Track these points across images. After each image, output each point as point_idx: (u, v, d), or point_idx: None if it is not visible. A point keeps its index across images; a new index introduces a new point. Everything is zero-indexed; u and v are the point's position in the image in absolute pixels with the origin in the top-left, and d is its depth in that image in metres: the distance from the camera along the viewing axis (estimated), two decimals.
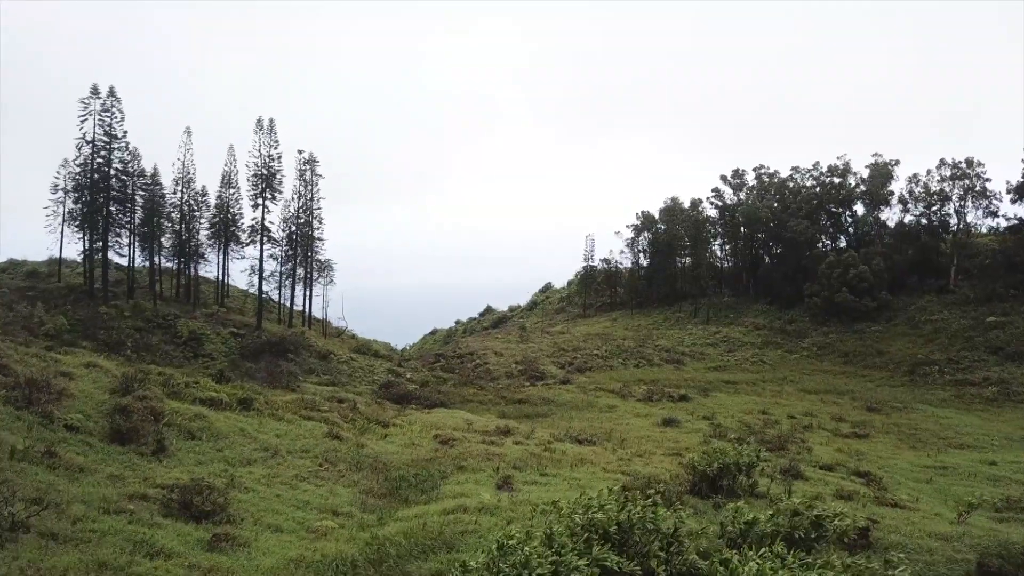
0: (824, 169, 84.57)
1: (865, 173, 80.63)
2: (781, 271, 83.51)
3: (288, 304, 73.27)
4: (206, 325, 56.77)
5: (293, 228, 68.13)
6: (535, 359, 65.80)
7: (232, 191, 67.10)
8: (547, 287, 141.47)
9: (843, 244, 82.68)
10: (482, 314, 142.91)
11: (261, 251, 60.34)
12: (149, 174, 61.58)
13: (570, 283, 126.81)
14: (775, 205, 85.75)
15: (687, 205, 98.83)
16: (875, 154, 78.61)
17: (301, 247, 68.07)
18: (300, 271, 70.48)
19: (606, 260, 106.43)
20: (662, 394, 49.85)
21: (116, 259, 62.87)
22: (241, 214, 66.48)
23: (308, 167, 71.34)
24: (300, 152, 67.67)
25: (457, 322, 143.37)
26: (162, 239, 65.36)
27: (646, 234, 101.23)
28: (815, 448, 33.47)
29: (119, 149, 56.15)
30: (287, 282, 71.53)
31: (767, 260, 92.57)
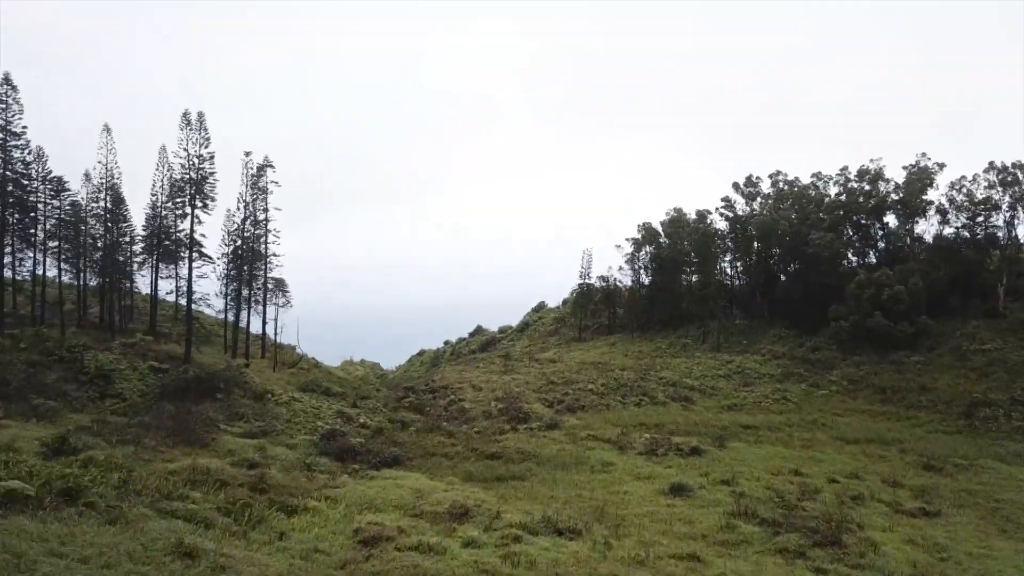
0: (853, 174, 76.83)
1: (900, 178, 72.90)
2: (801, 291, 75.63)
3: (241, 329, 65.48)
4: (122, 358, 48.66)
5: (239, 242, 60.22)
6: (519, 395, 57.72)
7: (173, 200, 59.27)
8: (540, 306, 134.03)
9: (872, 260, 74.85)
10: (472, 334, 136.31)
11: (190, 269, 52.27)
12: (58, 178, 53.64)
13: (565, 302, 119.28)
14: (793, 216, 77.98)
15: (693, 216, 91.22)
16: (921, 154, 70.74)
17: (249, 264, 60.08)
18: (252, 291, 62.56)
19: (604, 278, 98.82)
20: (668, 446, 41.73)
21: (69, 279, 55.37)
22: (178, 226, 58.59)
23: (261, 173, 63.68)
24: (248, 154, 59.88)
25: (446, 343, 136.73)
26: (85, 255, 57.49)
27: (648, 249, 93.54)
28: (878, 538, 25.35)
29: (18, 148, 48.30)
30: (242, 304, 63.73)
31: (782, 278, 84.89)
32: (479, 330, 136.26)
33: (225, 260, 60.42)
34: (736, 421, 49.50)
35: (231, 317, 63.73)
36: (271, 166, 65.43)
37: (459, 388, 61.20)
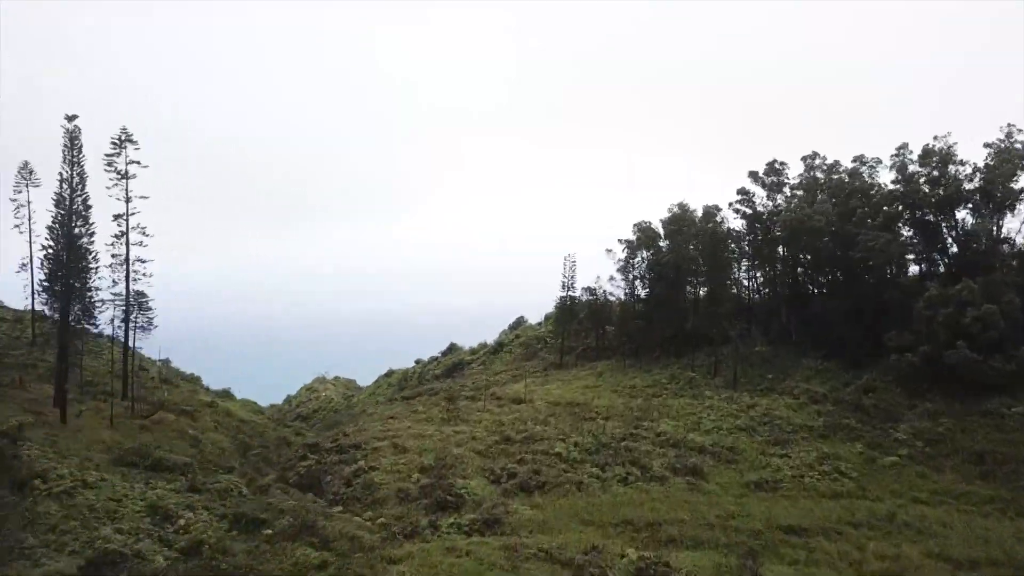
0: (913, 156, 61.12)
1: (979, 160, 57.28)
2: (844, 308, 60.12)
3: (115, 352, 50.00)
4: None
5: (60, 244, 44.55)
6: (456, 462, 42.14)
7: None
8: (519, 322, 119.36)
9: (940, 269, 59.35)
10: (444, 353, 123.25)
11: None
12: None
13: (547, 317, 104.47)
14: (831, 211, 62.44)
15: (700, 213, 75.79)
16: (1009, 125, 55.23)
17: (71, 272, 44.17)
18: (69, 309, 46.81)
19: (590, 289, 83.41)
20: None
21: None
22: None
23: (118, 148, 48.65)
24: (71, 119, 44.17)
25: (417, 362, 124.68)
26: None
27: (645, 253, 78.15)
28: None
29: None
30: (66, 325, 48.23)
31: (815, 292, 69.57)
32: (452, 349, 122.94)
33: (47, 266, 44.77)
34: (771, 516, 33.72)
35: (78, 341, 48.12)
36: (131, 140, 50.44)
37: (376, 448, 45.58)
